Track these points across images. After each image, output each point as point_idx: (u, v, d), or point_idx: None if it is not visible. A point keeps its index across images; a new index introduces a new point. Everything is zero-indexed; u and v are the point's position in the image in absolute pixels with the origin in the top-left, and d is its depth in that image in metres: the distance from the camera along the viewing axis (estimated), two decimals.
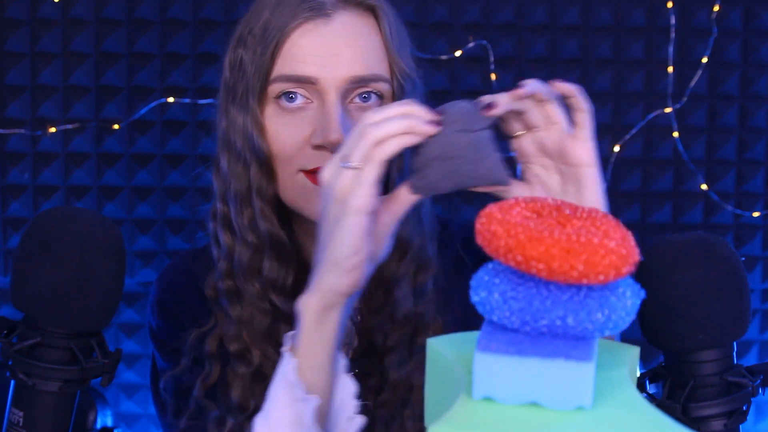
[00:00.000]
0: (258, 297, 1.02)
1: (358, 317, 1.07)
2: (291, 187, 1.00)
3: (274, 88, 0.99)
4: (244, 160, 1.01)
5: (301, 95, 0.98)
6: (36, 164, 2.12)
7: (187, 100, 2.10)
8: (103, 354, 0.81)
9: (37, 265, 0.78)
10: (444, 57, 2.14)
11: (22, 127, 2.12)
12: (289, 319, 1.02)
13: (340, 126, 0.95)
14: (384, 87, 1.00)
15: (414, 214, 1.03)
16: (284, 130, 0.99)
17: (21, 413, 0.78)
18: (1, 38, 2.10)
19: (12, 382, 0.80)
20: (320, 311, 0.86)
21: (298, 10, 0.98)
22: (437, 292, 1.07)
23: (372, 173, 0.81)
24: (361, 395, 1.03)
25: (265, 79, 0.99)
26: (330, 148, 0.96)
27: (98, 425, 1.67)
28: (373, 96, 1.00)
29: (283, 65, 0.98)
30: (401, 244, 1.01)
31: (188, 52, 2.12)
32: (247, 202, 1.02)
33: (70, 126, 2.11)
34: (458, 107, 0.87)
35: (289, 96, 0.99)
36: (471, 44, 2.14)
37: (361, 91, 0.99)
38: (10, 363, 0.79)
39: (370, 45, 0.99)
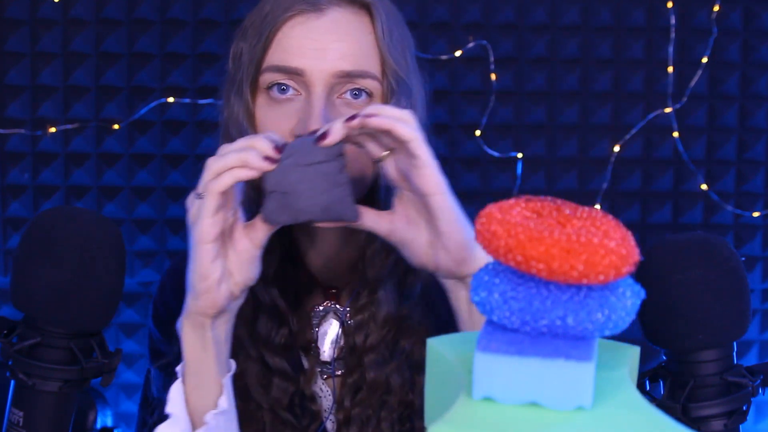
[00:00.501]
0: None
1: (347, 315, 1.08)
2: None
3: (265, 78, 1.00)
4: None
5: (291, 87, 0.99)
6: (36, 164, 2.12)
7: (187, 100, 2.10)
8: (103, 354, 0.81)
9: (37, 265, 0.78)
10: (444, 57, 2.14)
11: (22, 127, 2.12)
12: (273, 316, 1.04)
13: (320, 118, 0.95)
14: (373, 85, 1.00)
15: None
16: (271, 119, 1.00)
17: (21, 413, 0.78)
18: (1, 38, 2.10)
19: (12, 382, 0.79)
20: (191, 332, 0.91)
21: (293, 3, 0.99)
22: (426, 296, 1.06)
23: (210, 204, 0.84)
24: (342, 393, 1.04)
25: (258, 69, 1.00)
26: None
27: (98, 425, 1.67)
28: (364, 94, 1.00)
29: (274, 56, 0.99)
30: (387, 244, 1.00)
31: (188, 52, 2.12)
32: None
33: (70, 126, 2.11)
34: (298, 141, 0.88)
35: (280, 87, 0.99)
36: (471, 44, 2.14)
37: (350, 87, 0.99)
38: (10, 363, 0.79)
39: (361, 42, 0.99)
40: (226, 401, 0.93)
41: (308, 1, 0.99)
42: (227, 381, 0.94)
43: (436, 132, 1.17)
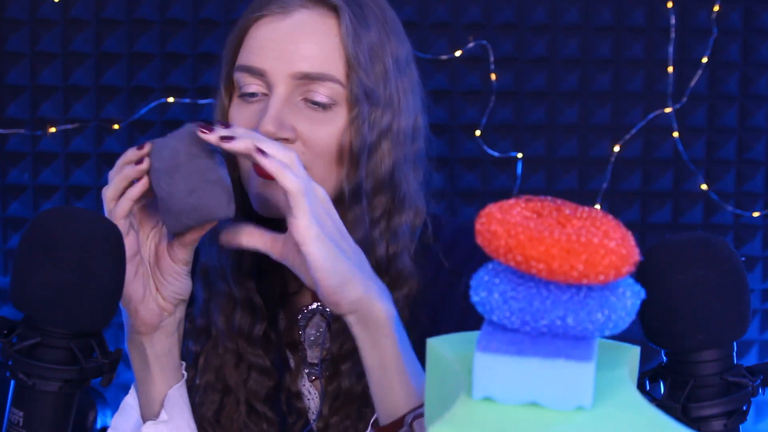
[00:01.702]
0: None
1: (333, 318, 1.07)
2: (243, 173, 1.01)
3: (236, 78, 1.01)
4: None
5: (258, 87, 0.99)
6: (36, 164, 2.12)
7: (187, 100, 2.10)
8: (103, 354, 0.81)
9: (37, 265, 0.78)
10: (444, 57, 2.14)
11: (22, 127, 2.12)
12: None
13: (274, 119, 0.95)
14: (336, 89, 0.98)
15: (382, 227, 1.02)
16: (240, 119, 1.00)
17: (21, 413, 0.78)
18: (1, 38, 2.11)
19: (12, 382, 0.79)
20: (132, 350, 0.97)
21: (264, 5, 1.00)
22: (413, 305, 1.03)
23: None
24: (322, 400, 1.03)
25: (230, 69, 1.02)
26: None
27: (98, 425, 1.68)
28: (321, 106, 0.98)
29: (241, 56, 1.00)
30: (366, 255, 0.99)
31: (188, 52, 2.12)
32: None
33: (70, 126, 2.11)
34: (169, 139, 0.89)
35: (248, 88, 1.00)
36: (471, 44, 2.14)
37: (310, 89, 0.97)
38: (10, 363, 0.79)
39: (324, 44, 0.98)
40: (167, 414, 0.97)
41: (277, 3, 0.99)
42: (173, 392, 0.97)
43: (436, 132, 1.17)
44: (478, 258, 1.00)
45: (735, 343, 0.80)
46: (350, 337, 1.00)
